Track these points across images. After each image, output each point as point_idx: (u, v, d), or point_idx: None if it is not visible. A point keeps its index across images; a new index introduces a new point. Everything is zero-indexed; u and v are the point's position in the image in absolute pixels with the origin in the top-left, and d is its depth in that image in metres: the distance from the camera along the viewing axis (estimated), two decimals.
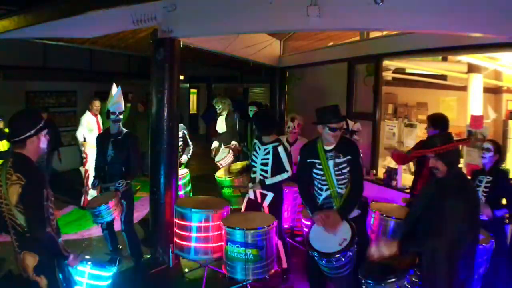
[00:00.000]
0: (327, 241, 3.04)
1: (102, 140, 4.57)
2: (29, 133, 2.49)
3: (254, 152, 4.33)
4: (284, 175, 4.19)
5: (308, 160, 3.36)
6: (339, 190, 3.26)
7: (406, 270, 2.58)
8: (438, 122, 4.05)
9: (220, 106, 6.77)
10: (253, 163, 4.35)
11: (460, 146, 2.79)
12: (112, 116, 4.43)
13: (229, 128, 6.71)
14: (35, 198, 2.43)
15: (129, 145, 4.42)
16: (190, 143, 6.03)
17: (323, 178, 3.28)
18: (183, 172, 5.59)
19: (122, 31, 5.05)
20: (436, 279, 2.54)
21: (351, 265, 3.06)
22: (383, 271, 2.62)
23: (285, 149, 4.26)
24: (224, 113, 6.76)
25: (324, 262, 3.02)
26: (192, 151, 6.08)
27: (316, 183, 3.36)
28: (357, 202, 3.27)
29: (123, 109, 4.54)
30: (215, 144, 6.50)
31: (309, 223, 4.02)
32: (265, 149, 4.24)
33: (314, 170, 3.34)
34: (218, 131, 6.86)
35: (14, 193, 2.39)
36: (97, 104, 6.70)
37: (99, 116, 6.73)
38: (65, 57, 8.76)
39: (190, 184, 5.89)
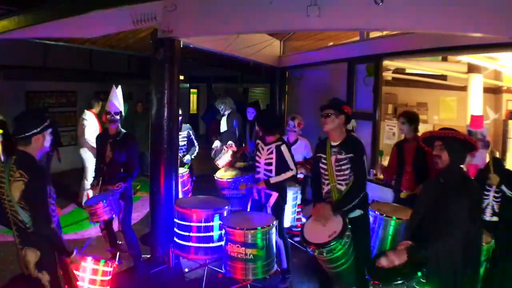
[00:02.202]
0: (319, 233, 3.11)
1: (101, 141, 4.56)
2: (35, 130, 2.55)
3: (258, 152, 4.36)
4: (289, 173, 4.21)
5: (317, 154, 3.48)
6: (339, 186, 3.32)
7: (414, 271, 2.57)
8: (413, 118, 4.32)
9: (222, 106, 6.75)
10: (256, 164, 4.37)
11: (468, 143, 2.71)
12: (108, 116, 4.43)
13: (230, 128, 6.70)
14: (39, 195, 2.48)
15: (128, 146, 4.41)
16: (196, 143, 5.99)
17: (326, 172, 3.38)
18: (182, 171, 5.55)
19: (122, 31, 5.05)
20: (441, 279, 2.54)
21: (347, 260, 3.08)
22: (390, 273, 2.61)
23: (289, 148, 4.29)
24: (227, 113, 6.73)
25: (317, 254, 3.08)
26: (197, 152, 6.01)
27: (321, 177, 3.46)
28: (353, 199, 3.26)
29: (120, 109, 4.49)
30: (216, 143, 6.49)
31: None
32: (268, 149, 4.26)
33: (320, 164, 3.43)
34: (221, 131, 6.85)
35: (17, 189, 2.44)
36: (99, 103, 6.73)
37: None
38: (65, 57, 8.75)
39: (189, 184, 5.80)
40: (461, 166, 2.81)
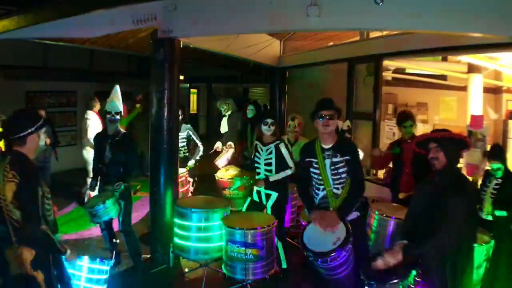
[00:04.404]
0: (321, 241, 2.99)
1: (99, 141, 4.53)
2: (30, 130, 2.57)
3: (257, 153, 4.36)
4: (288, 171, 4.25)
5: (306, 159, 3.35)
6: (335, 190, 3.22)
7: (409, 270, 2.57)
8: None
9: (225, 107, 6.79)
10: (256, 164, 4.36)
11: (461, 141, 2.82)
12: (108, 116, 4.42)
13: (230, 129, 6.70)
14: (29, 196, 2.51)
15: (127, 146, 4.39)
16: (199, 143, 5.80)
17: (320, 177, 3.25)
18: (181, 171, 5.46)
19: (122, 31, 5.05)
20: (438, 278, 2.55)
21: (348, 266, 3.00)
22: (385, 272, 2.60)
23: (287, 146, 4.31)
24: (228, 114, 6.75)
25: (319, 262, 2.95)
26: (202, 154, 5.81)
27: (313, 182, 3.34)
28: (355, 203, 3.20)
29: (120, 109, 4.48)
30: (218, 144, 6.46)
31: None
32: (267, 149, 4.27)
33: (311, 169, 3.31)
34: (221, 132, 6.86)
35: (10, 190, 2.48)
36: (97, 102, 6.73)
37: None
38: (65, 57, 8.73)
39: (188, 185, 5.73)
40: (457, 165, 2.87)
